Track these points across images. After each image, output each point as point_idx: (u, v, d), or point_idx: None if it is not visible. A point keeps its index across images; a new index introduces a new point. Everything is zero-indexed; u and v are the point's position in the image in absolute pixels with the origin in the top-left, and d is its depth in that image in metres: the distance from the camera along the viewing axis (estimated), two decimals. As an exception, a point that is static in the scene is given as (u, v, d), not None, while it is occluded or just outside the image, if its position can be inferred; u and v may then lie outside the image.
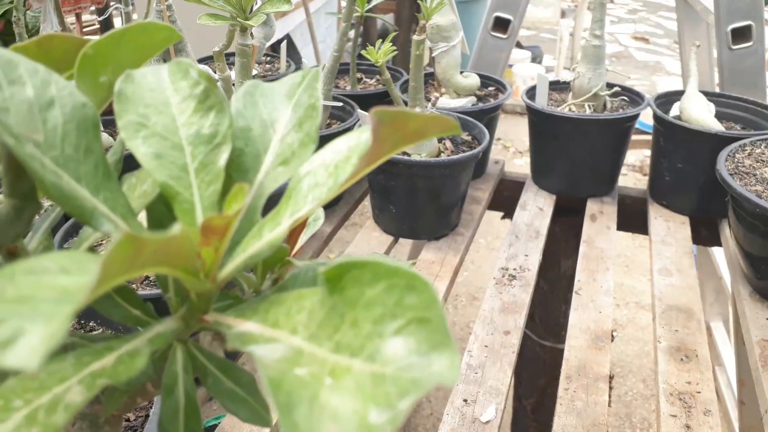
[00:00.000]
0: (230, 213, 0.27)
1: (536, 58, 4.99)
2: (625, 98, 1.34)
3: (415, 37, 1.13)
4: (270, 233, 0.30)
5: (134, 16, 1.75)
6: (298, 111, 0.34)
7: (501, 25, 1.97)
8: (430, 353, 0.21)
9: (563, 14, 5.71)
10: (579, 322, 1.00)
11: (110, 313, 0.33)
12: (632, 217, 1.36)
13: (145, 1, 1.37)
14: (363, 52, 1.11)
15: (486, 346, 0.98)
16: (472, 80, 1.38)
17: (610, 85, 1.34)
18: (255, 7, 0.78)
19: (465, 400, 0.88)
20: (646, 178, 1.47)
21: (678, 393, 0.87)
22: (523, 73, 4.26)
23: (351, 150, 0.31)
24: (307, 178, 0.31)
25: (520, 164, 3.40)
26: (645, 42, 6.39)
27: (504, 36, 1.98)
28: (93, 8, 1.62)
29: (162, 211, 0.33)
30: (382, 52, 1.10)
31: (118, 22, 1.96)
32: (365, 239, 1.20)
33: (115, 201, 0.28)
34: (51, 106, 0.26)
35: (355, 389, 0.21)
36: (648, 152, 3.24)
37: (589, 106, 1.32)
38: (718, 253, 1.96)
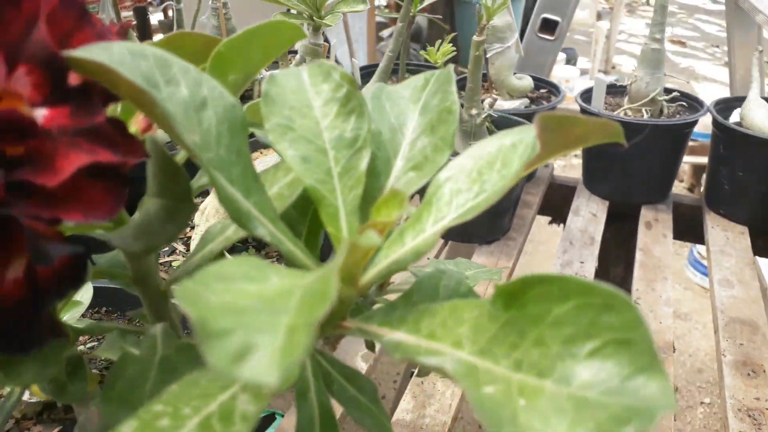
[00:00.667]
0: (389, 219, 0.26)
1: (571, 60, 4.93)
2: (683, 104, 1.31)
3: (475, 38, 1.12)
4: (413, 240, 0.29)
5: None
6: (427, 114, 0.33)
7: (548, 26, 1.95)
8: (635, 377, 0.20)
9: (599, 16, 5.63)
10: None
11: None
12: (687, 226, 1.33)
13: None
14: (422, 52, 1.09)
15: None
16: (526, 82, 1.36)
17: (667, 90, 1.31)
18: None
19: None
20: (682, 184, 1.43)
21: (747, 409, 0.85)
22: (558, 75, 4.21)
23: (493, 156, 0.30)
24: (447, 184, 0.30)
25: (564, 167, 3.35)
26: (682, 45, 6.27)
27: (551, 38, 1.95)
28: (156, 3, 1.64)
29: (292, 214, 0.33)
30: (441, 53, 1.09)
31: (154, 19, 1.98)
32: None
33: (263, 205, 0.27)
34: (204, 106, 0.26)
35: (555, 412, 0.20)
36: (687, 159, 3.18)
37: (646, 110, 1.29)
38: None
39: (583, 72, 5.12)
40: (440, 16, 1.34)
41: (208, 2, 1.44)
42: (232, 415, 0.22)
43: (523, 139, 0.29)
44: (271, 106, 0.29)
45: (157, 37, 1.73)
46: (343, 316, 0.31)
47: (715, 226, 1.24)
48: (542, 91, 1.46)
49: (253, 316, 0.17)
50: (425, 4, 1.35)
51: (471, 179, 0.29)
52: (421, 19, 3.88)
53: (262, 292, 0.20)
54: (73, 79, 0.22)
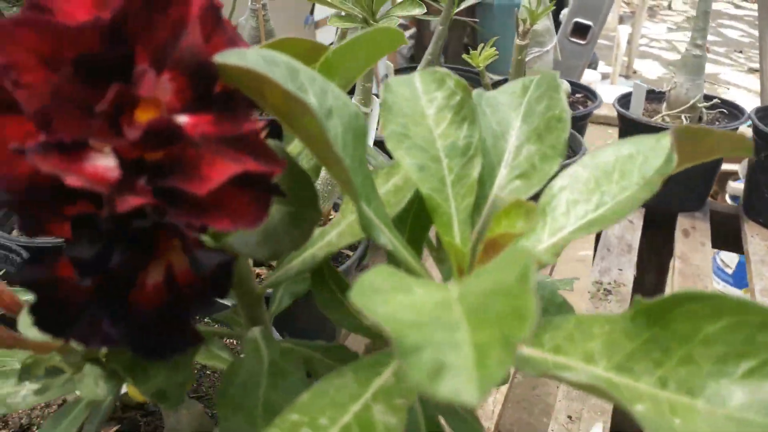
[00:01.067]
0: (512, 231, 0.26)
1: (592, 65, 4.89)
2: (723, 110, 1.30)
3: (518, 42, 1.11)
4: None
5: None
6: (532, 121, 0.33)
7: (580, 30, 1.93)
8: (801, 399, 0.19)
9: (621, 20, 5.59)
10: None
11: (342, 322, 0.33)
12: (724, 234, 1.32)
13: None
14: (464, 56, 1.09)
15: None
16: (564, 86, 1.35)
17: (707, 97, 1.29)
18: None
19: (569, 417, 0.86)
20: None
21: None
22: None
23: (609, 166, 0.29)
24: (562, 194, 0.30)
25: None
26: (705, 50, 6.19)
27: (583, 42, 1.94)
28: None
29: (394, 221, 0.32)
30: (483, 57, 1.09)
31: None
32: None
33: (380, 212, 0.27)
34: (330, 115, 0.26)
35: (718, 434, 0.19)
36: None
37: (685, 117, 1.28)
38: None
39: (604, 76, 5.08)
40: (477, 20, 1.33)
41: (247, 3, 1.44)
42: (374, 428, 0.22)
43: (640, 150, 0.29)
44: (388, 113, 0.29)
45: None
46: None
47: (755, 236, 1.23)
48: (578, 96, 1.46)
49: (433, 331, 0.17)
50: (462, 6, 1.35)
51: (588, 190, 0.29)
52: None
53: (419, 303, 0.20)
54: (216, 86, 0.22)
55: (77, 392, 0.35)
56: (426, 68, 1.12)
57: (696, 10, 1.22)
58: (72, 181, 0.20)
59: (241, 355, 0.30)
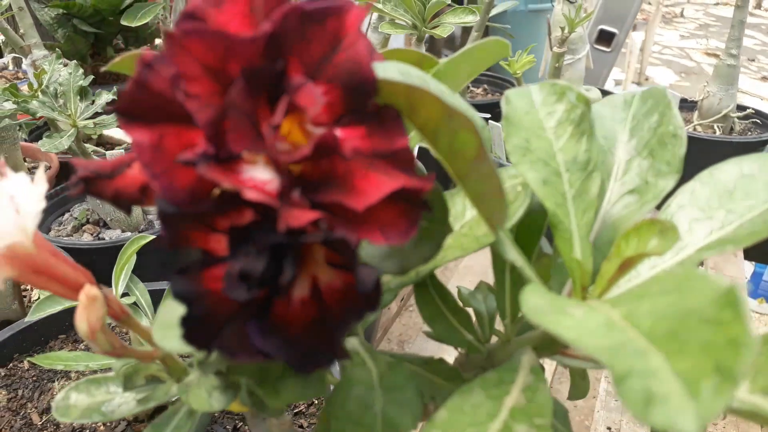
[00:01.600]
0: (650, 250, 0.25)
1: (605, 71, 4.88)
2: (757, 121, 1.29)
3: (555, 50, 1.11)
4: (651, 270, 0.28)
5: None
6: (641, 136, 0.32)
7: (605, 38, 1.93)
8: None
9: (634, 27, 5.58)
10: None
11: (445, 337, 0.32)
12: (754, 245, 1.31)
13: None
14: (503, 63, 1.09)
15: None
16: (594, 94, 1.35)
17: (740, 107, 1.29)
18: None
19: (609, 428, 0.86)
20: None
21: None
22: (594, 86, 4.17)
23: (729, 184, 0.29)
24: (682, 211, 0.29)
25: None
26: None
27: (608, 49, 1.93)
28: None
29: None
30: (520, 65, 1.09)
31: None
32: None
33: (506, 228, 0.27)
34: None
35: None
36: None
37: (717, 127, 1.27)
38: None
39: (617, 83, 5.07)
40: (508, 26, 1.33)
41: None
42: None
43: (763, 168, 0.29)
44: (510, 126, 0.28)
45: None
46: (565, 343, 0.30)
47: (788, 247, 1.22)
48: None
49: (630, 357, 0.17)
50: (494, 13, 1.35)
51: (710, 207, 0.28)
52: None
53: (591, 325, 0.19)
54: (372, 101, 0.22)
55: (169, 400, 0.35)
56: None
57: (732, 19, 1.22)
58: (250, 195, 0.19)
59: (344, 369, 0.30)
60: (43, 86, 0.93)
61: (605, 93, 1.47)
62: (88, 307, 0.28)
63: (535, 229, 0.31)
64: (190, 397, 0.30)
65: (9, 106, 1.05)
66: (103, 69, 0.30)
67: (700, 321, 0.17)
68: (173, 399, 0.35)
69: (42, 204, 0.27)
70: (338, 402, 0.29)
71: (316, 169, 0.22)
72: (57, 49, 1.01)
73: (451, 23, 0.72)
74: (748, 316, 0.16)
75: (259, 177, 0.21)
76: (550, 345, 0.30)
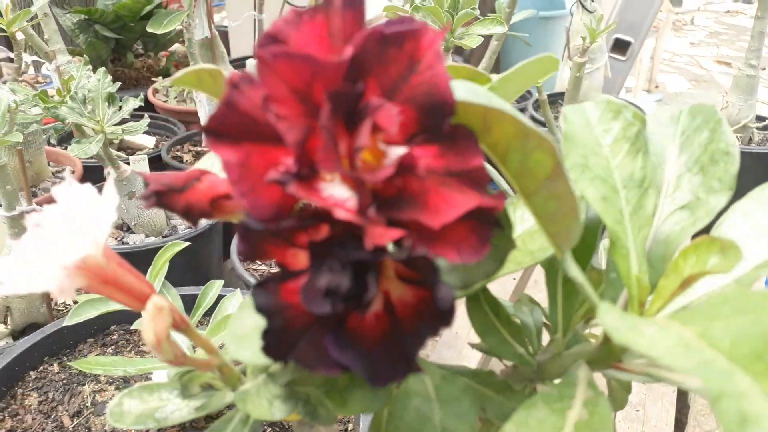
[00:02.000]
0: (711, 268, 0.26)
1: (616, 78, 4.87)
2: (777, 131, 1.29)
3: (576, 59, 1.12)
4: (706, 286, 0.29)
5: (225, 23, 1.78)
6: (691, 153, 0.33)
7: (621, 47, 1.93)
8: None
9: (645, 34, 5.55)
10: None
11: (497, 349, 0.33)
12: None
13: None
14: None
15: (644, 384, 0.95)
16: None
17: (759, 118, 1.29)
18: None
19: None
20: None
21: None
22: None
23: (782, 203, 0.29)
24: (735, 229, 0.30)
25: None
26: (727, 66, 6.17)
27: (623, 58, 1.93)
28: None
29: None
30: (541, 73, 1.09)
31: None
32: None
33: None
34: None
35: None
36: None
37: (737, 137, 1.27)
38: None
39: (627, 90, 5.06)
40: (527, 34, 1.34)
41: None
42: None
43: (817, 186, 0.29)
44: (569, 143, 0.29)
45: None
46: (618, 356, 0.31)
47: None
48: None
49: (719, 378, 0.17)
50: (512, 22, 1.35)
51: (764, 225, 0.29)
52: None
53: (668, 343, 0.20)
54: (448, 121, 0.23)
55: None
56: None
57: (752, 30, 1.22)
58: (340, 214, 0.20)
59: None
60: (71, 92, 0.94)
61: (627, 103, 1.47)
62: (155, 317, 0.29)
63: (589, 244, 0.31)
64: (249, 406, 0.31)
65: (36, 111, 1.07)
66: (163, 84, 0.30)
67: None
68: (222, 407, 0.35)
69: (114, 216, 0.28)
70: (397, 413, 0.29)
71: (389, 187, 0.23)
72: (84, 55, 1.02)
73: (479, 34, 0.73)
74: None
75: (338, 195, 0.22)
76: (605, 359, 0.31)
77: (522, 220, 0.34)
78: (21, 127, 0.85)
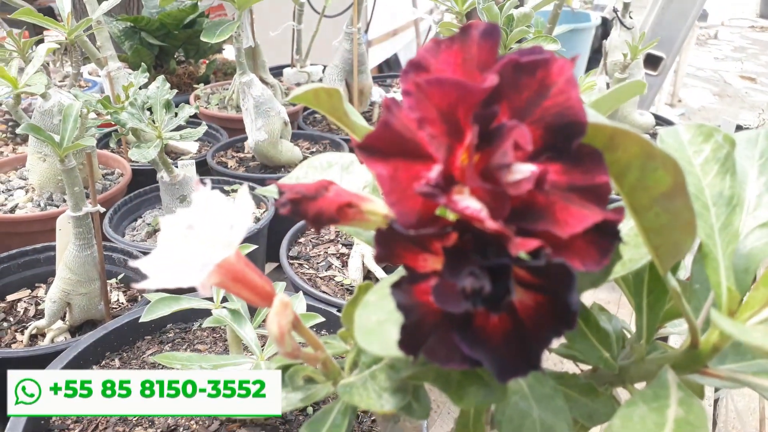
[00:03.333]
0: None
1: (640, 92, 4.85)
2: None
3: (617, 75, 1.13)
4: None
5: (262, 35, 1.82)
6: (772, 172, 0.35)
7: (652, 62, 1.94)
8: None
9: (671, 49, 5.52)
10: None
11: (585, 353, 0.35)
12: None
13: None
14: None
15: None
16: (648, 119, 1.37)
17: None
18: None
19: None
20: None
21: None
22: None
23: None
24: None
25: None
26: (752, 81, 6.11)
27: (654, 73, 1.94)
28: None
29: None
30: (583, 88, 1.11)
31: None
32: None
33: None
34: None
35: None
36: None
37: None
38: None
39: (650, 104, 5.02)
40: (564, 48, 1.35)
41: (342, 27, 1.49)
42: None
43: None
44: (665, 163, 0.31)
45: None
46: (705, 362, 0.33)
47: None
48: (658, 128, 1.46)
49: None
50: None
51: None
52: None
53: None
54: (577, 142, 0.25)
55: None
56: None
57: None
58: (489, 225, 0.22)
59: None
60: (131, 98, 0.98)
61: (660, 119, 1.48)
62: (280, 312, 0.31)
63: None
64: (356, 397, 0.33)
65: (92, 116, 1.11)
66: (288, 99, 0.33)
67: None
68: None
69: (250, 221, 0.30)
70: (499, 409, 0.32)
71: (516, 200, 0.25)
72: (142, 63, 1.06)
73: (534, 51, 0.75)
74: None
75: (473, 206, 0.25)
76: (691, 364, 0.33)
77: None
78: (91, 132, 0.89)
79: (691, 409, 0.28)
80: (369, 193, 0.34)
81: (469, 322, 0.26)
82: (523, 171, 0.25)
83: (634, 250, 0.34)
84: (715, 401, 1.16)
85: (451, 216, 0.26)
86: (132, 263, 0.30)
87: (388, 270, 0.97)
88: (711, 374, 0.32)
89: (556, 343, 0.28)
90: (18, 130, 0.80)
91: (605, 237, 0.25)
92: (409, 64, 0.25)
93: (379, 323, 0.29)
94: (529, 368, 0.25)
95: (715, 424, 1.11)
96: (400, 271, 0.29)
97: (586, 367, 0.41)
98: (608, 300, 1.15)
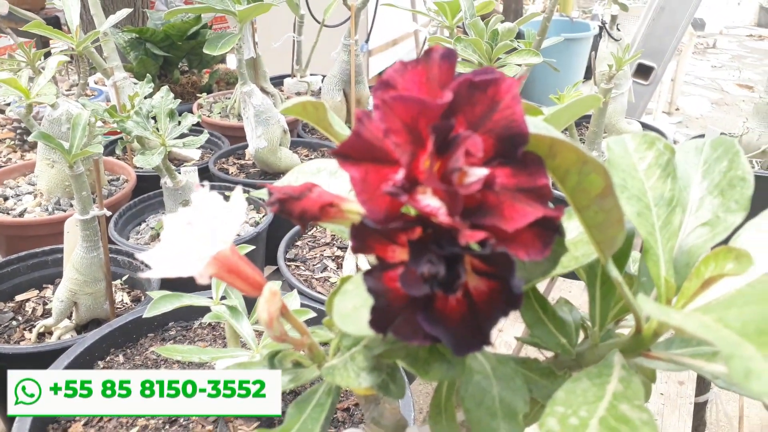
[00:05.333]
0: (727, 272, 0.32)
1: (640, 101, 4.89)
2: (798, 158, 1.33)
3: (603, 86, 1.18)
4: (721, 290, 0.35)
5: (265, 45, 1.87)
6: (712, 178, 0.39)
7: (643, 72, 1.98)
8: None
9: (670, 58, 5.56)
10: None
11: (544, 340, 0.39)
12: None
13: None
14: (551, 97, 1.16)
15: (662, 394, 1.00)
16: (635, 127, 1.41)
17: (783, 144, 1.33)
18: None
19: None
20: None
21: None
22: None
23: (789, 221, 0.35)
24: (749, 242, 0.36)
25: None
26: (749, 90, 6.14)
27: (645, 83, 1.98)
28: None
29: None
30: (569, 99, 1.15)
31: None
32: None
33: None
34: (573, 168, 0.32)
35: None
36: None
37: (756, 162, 1.32)
38: None
39: (647, 113, 5.07)
40: (554, 59, 1.40)
41: (340, 39, 1.54)
42: (629, 420, 0.28)
43: (819, 208, 0.35)
44: (612, 168, 0.35)
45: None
46: (647, 346, 0.37)
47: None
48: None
49: (730, 347, 0.23)
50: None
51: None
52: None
53: (690, 325, 0.26)
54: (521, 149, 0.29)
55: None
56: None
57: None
58: (443, 219, 0.26)
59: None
60: (136, 107, 1.03)
61: (647, 126, 1.52)
62: (269, 299, 0.35)
63: (625, 252, 0.37)
64: (337, 378, 0.37)
65: (98, 124, 1.16)
66: (279, 111, 0.37)
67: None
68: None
69: (243, 218, 0.34)
70: (462, 386, 0.35)
71: (471, 199, 0.30)
72: (147, 73, 1.10)
73: (516, 63, 0.80)
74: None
75: (433, 204, 0.29)
76: (636, 348, 0.37)
77: (567, 231, 0.40)
78: (98, 140, 0.93)
79: (629, 386, 0.32)
80: (350, 195, 0.38)
81: (431, 305, 0.30)
82: (476, 174, 0.29)
83: (587, 247, 0.38)
84: (702, 404, 1.19)
85: (415, 212, 0.30)
86: (138, 255, 0.34)
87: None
88: (653, 357, 0.36)
89: (522, 332, 0.32)
90: (30, 138, 0.85)
91: (547, 231, 0.29)
92: (378, 82, 0.29)
93: (354, 308, 0.33)
94: (481, 344, 0.29)
95: (705, 425, 1.15)
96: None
97: (551, 355, 0.45)
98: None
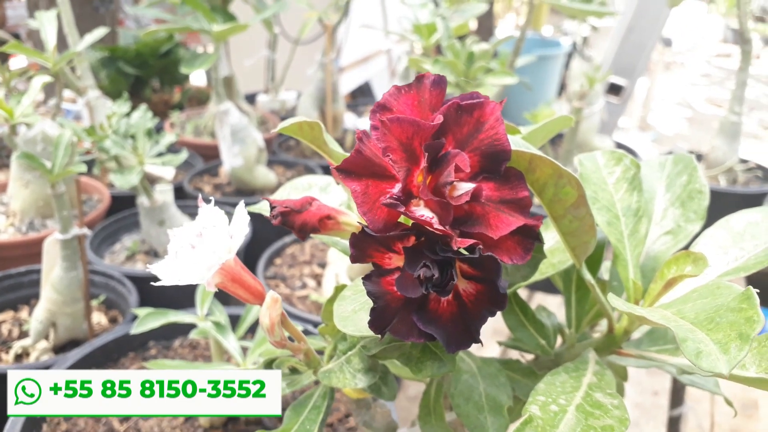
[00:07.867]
0: (687, 273, 0.35)
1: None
2: (758, 174, 1.41)
3: (575, 104, 1.23)
4: (681, 290, 0.38)
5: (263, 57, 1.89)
6: (674, 191, 0.43)
7: (615, 90, 2.06)
8: None
9: (632, 77, 5.73)
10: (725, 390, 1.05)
11: (525, 341, 0.42)
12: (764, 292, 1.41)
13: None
14: (527, 115, 1.21)
15: (637, 405, 1.04)
16: (607, 143, 1.47)
17: (743, 160, 1.40)
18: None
19: None
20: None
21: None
22: (594, 133, 4.31)
23: (741, 229, 0.39)
24: (706, 248, 0.39)
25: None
26: (719, 107, 6.35)
27: (617, 101, 2.06)
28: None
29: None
30: (542, 116, 1.20)
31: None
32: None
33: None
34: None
35: None
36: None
37: (722, 178, 1.39)
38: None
39: (622, 130, 5.20)
40: (527, 79, 1.45)
41: (316, 57, 1.57)
42: (602, 405, 0.31)
43: (765, 217, 0.39)
44: (584, 181, 0.39)
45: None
46: (619, 344, 0.40)
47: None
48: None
49: (684, 332, 0.27)
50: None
51: (726, 246, 0.39)
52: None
53: (654, 317, 0.29)
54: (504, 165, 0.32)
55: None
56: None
57: (736, 80, 1.34)
58: (437, 227, 0.29)
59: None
60: (114, 126, 1.04)
61: (619, 145, 1.59)
62: (271, 306, 0.38)
63: (597, 258, 0.41)
64: (333, 380, 0.40)
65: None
66: (276, 131, 0.40)
67: (727, 310, 0.27)
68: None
69: (247, 232, 0.37)
70: (452, 384, 0.38)
71: (459, 210, 0.33)
72: (123, 92, 1.11)
73: (492, 84, 0.84)
74: (758, 305, 0.26)
75: (426, 214, 0.32)
76: (608, 346, 0.40)
77: (545, 241, 0.44)
78: (78, 159, 0.94)
79: (603, 378, 0.36)
80: (344, 208, 0.41)
81: (424, 306, 0.32)
82: (464, 187, 0.32)
83: (562, 255, 0.41)
84: (677, 418, 1.23)
85: (409, 222, 0.32)
86: (148, 268, 0.36)
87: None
88: (624, 353, 0.39)
89: (504, 336, 0.34)
90: (13, 158, 0.85)
91: (528, 238, 0.32)
92: (376, 105, 0.32)
93: (353, 311, 0.35)
94: (470, 341, 0.32)
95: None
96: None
97: (531, 358, 0.48)
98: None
